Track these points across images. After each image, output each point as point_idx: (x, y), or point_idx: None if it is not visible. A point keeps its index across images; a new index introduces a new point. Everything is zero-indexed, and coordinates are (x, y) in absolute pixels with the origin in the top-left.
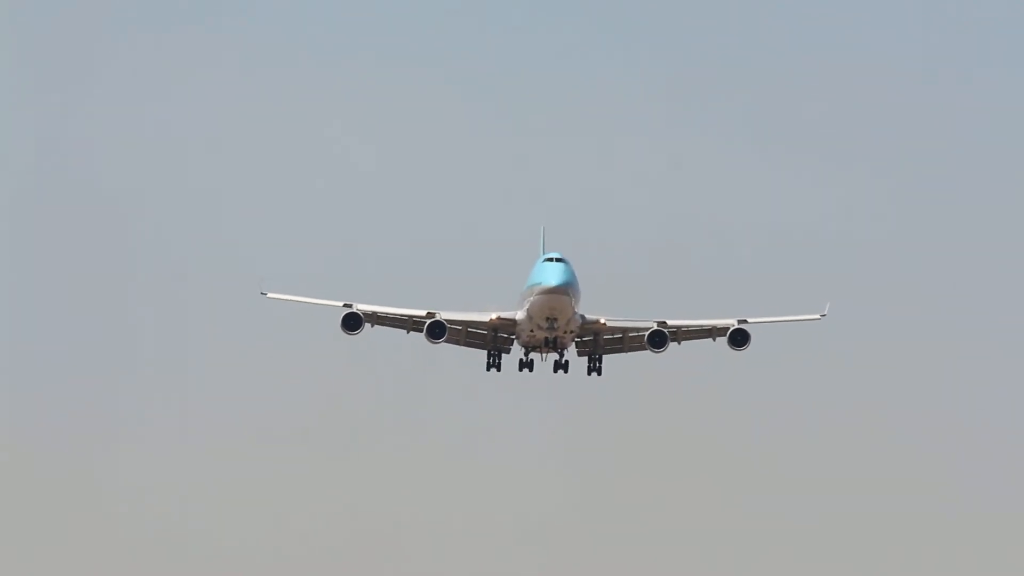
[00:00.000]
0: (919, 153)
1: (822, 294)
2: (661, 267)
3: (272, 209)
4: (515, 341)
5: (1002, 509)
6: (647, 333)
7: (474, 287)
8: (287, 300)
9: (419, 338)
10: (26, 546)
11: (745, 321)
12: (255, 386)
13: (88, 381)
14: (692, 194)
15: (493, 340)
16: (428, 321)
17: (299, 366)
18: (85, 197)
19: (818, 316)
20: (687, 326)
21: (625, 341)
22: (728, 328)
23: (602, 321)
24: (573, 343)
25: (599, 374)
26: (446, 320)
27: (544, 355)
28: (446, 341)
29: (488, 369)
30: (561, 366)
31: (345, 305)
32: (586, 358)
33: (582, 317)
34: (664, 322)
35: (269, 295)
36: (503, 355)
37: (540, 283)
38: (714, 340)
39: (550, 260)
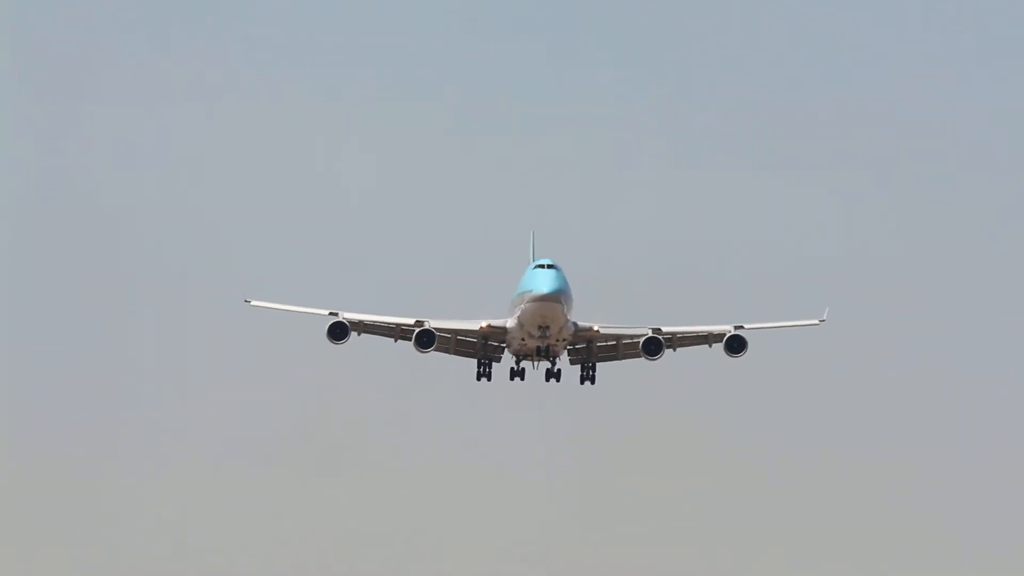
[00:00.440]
0: (917, 161)
1: (820, 299)
2: (654, 273)
3: (256, 217)
4: (506, 349)
5: (1005, 511)
6: (642, 340)
7: (463, 295)
8: (271, 308)
9: (407, 347)
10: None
11: (742, 327)
12: (238, 398)
13: (69, 391)
14: (685, 199)
15: (483, 349)
16: (416, 329)
17: (283, 377)
18: (74, 205)
19: (817, 321)
20: (683, 332)
21: (619, 348)
22: (725, 334)
23: (595, 328)
24: (565, 351)
25: (592, 383)
26: (435, 328)
27: (536, 364)
28: (435, 350)
29: (478, 378)
30: (553, 375)
31: (331, 313)
32: (579, 366)
33: (575, 324)
34: (659, 329)
35: (253, 303)
36: (494, 364)
37: (531, 290)
38: (710, 347)
39: (541, 267)
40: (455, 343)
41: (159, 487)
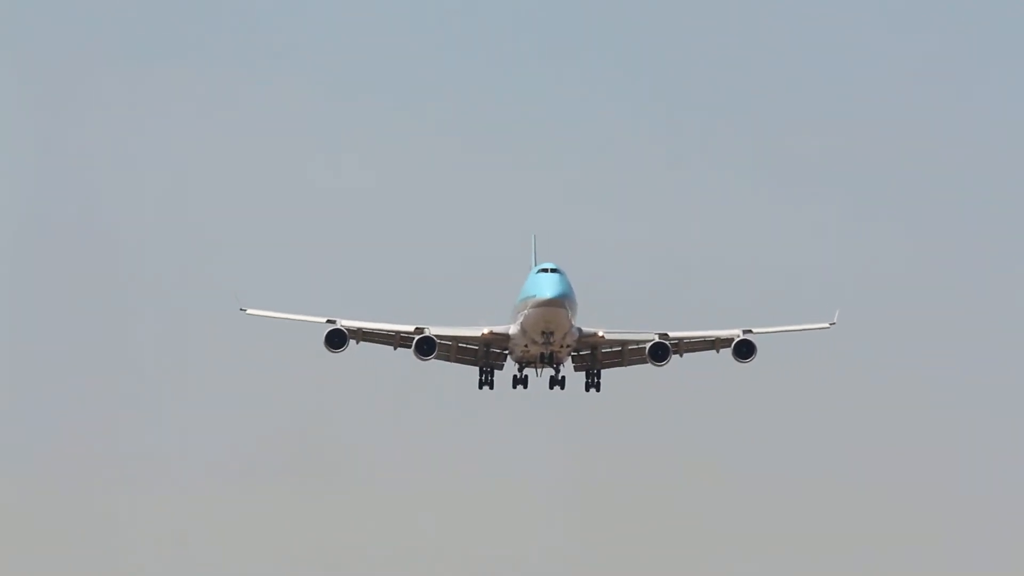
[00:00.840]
0: (921, 163)
1: (827, 303)
2: (658, 278)
3: (253, 223)
4: (508, 357)
5: (1019, 514)
6: (648, 345)
7: (464, 301)
8: (267, 317)
9: (407, 355)
10: None
11: (750, 331)
12: (234, 409)
13: (63, 399)
14: (688, 203)
15: (485, 356)
16: (416, 337)
17: (280, 387)
18: (70, 212)
19: (827, 325)
20: (689, 338)
21: (624, 354)
22: (733, 339)
23: (600, 334)
24: (569, 358)
25: (598, 390)
26: (435, 335)
27: (539, 371)
28: (436, 358)
29: (480, 387)
30: (557, 382)
31: (328, 321)
32: (583, 373)
33: (579, 330)
34: (666, 334)
35: (248, 311)
36: (496, 372)
37: (534, 295)
38: (718, 352)
39: (544, 271)
40: (456, 350)
41: (153, 501)
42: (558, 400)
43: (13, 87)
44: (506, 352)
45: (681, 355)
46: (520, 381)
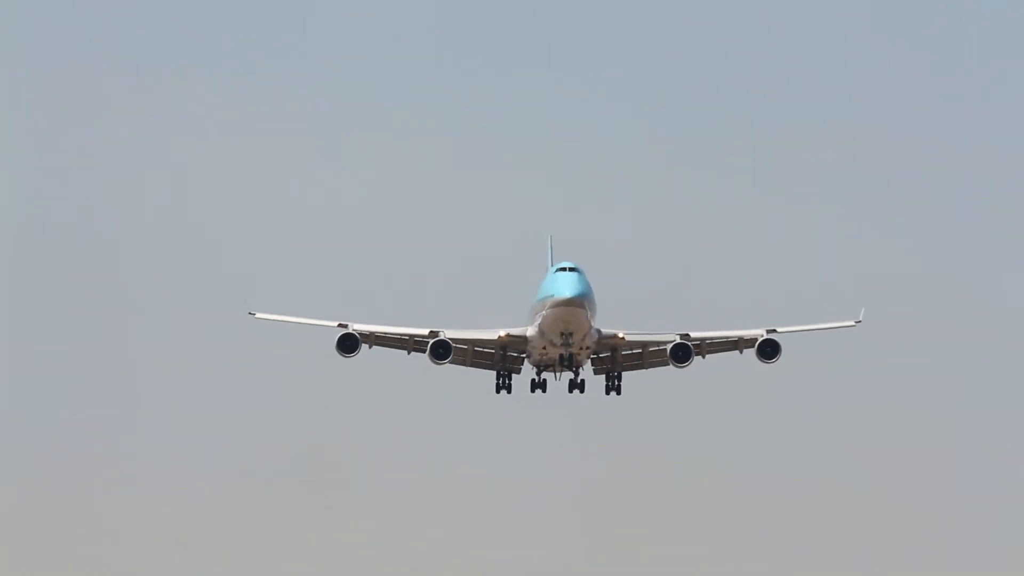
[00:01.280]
0: (927, 165)
1: (850, 302)
2: (675, 280)
3: (263, 227)
4: (526, 360)
5: None
6: (669, 347)
7: (479, 304)
8: (278, 321)
9: (422, 359)
10: None
11: (775, 331)
12: (244, 416)
13: (72, 405)
14: (702, 207)
15: (502, 359)
16: (431, 340)
17: (291, 393)
18: (75, 217)
19: (853, 323)
20: (712, 338)
21: (645, 356)
22: (756, 339)
23: (620, 335)
24: (589, 360)
25: (618, 393)
26: (451, 339)
27: (558, 374)
28: (451, 362)
29: (497, 391)
30: (577, 386)
31: (340, 325)
32: (603, 376)
33: (598, 331)
34: (687, 334)
35: (258, 315)
36: (513, 376)
37: (552, 295)
38: (741, 353)
39: (563, 270)
40: (472, 354)
41: (163, 507)
42: (578, 404)
43: (20, 90)
44: (523, 355)
45: (704, 356)
46: (538, 385)
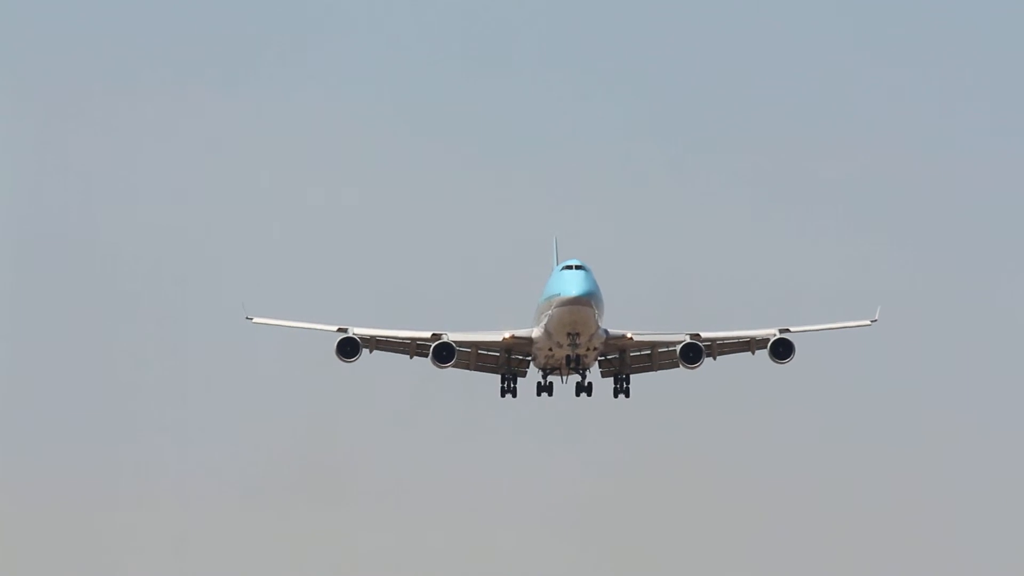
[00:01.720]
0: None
1: (864, 301)
2: (685, 279)
3: (258, 230)
4: (532, 363)
5: None
6: (679, 347)
7: (483, 306)
8: (275, 325)
9: (424, 363)
10: None
11: (788, 330)
12: (241, 423)
13: (65, 411)
14: (707, 210)
15: (507, 362)
16: (434, 343)
17: (289, 400)
18: (68, 225)
19: (868, 322)
20: (723, 338)
21: (654, 358)
22: (769, 339)
23: (629, 335)
24: (596, 362)
25: (627, 396)
26: (454, 341)
27: (565, 377)
28: (454, 366)
29: (503, 395)
30: (584, 388)
31: (340, 329)
32: (611, 379)
33: (606, 332)
34: (698, 335)
35: (255, 320)
36: (519, 379)
37: (559, 294)
38: (753, 354)
39: (569, 268)
40: (476, 357)
41: (158, 518)
42: (585, 408)
43: (17, 102)
44: (529, 358)
45: (715, 358)
46: (544, 388)
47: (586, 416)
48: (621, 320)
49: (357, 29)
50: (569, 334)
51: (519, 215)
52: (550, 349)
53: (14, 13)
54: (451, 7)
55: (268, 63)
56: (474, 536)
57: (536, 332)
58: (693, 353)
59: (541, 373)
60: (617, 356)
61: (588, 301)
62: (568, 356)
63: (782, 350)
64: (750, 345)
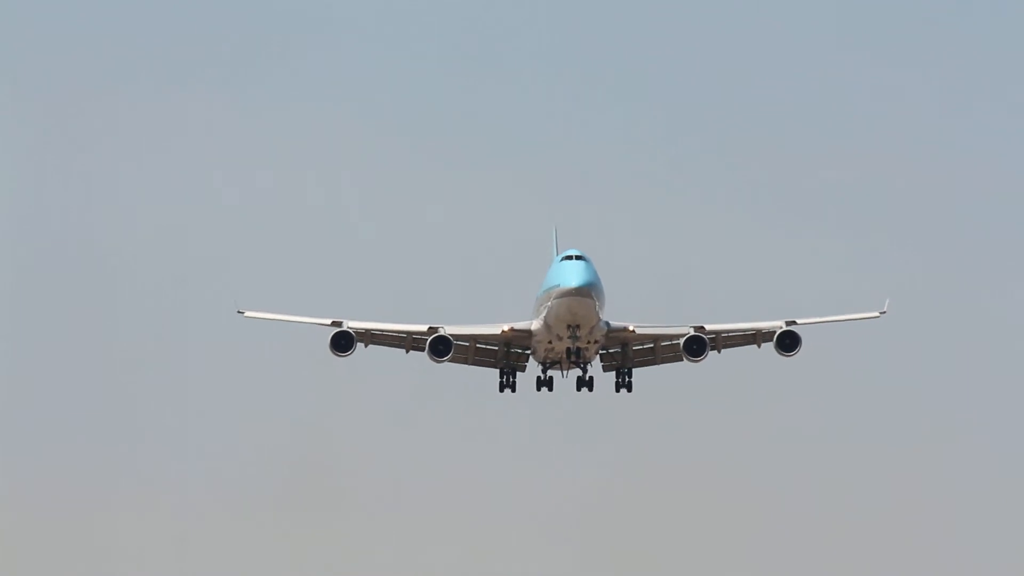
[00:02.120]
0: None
1: (872, 292)
2: (688, 271)
3: (250, 222)
4: (531, 357)
5: None
6: (683, 340)
7: (480, 299)
8: (267, 319)
9: (420, 357)
10: None
11: (794, 322)
12: (232, 419)
13: (52, 408)
14: (707, 206)
15: (506, 356)
16: (430, 337)
17: (281, 395)
18: (58, 218)
19: (877, 314)
20: (728, 331)
21: (657, 351)
22: (775, 331)
23: (631, 328)
24: (598, 356)
25: (629, 390)
26: (451, 335)
27: (565, 372)
28: (452, 360)
29: (501, 390)
30: (585, 383)
31: (334, 323)
32: (613, 373)
33: (607, 324)
34: (702, 327)
35: (247, 314)
36: (518, 374)
37: (558, 285)
38: (759, 347)
39: (568, 258)
40: (474, 351)
41: (147, 518)
42: (586, 403)
43: (12, 103)
44: (528, 352)
45: (719, 351)
46: (544, 383)
47: (587, 411)
48: (623, 313)
49: (352, 29)
50: (569, 326)
51: (517, 208)
52: (550, 342)
53: (11, 14)
54: (450, 8)
55: (264, 58)
56: (470, 535)
57: (535, 325)
58: (697, 346)
59: (541, 367)
60: (619, 349)
61: (588, 292)
62: (568, 349)
63: (788, 343)
64: (755, 338)
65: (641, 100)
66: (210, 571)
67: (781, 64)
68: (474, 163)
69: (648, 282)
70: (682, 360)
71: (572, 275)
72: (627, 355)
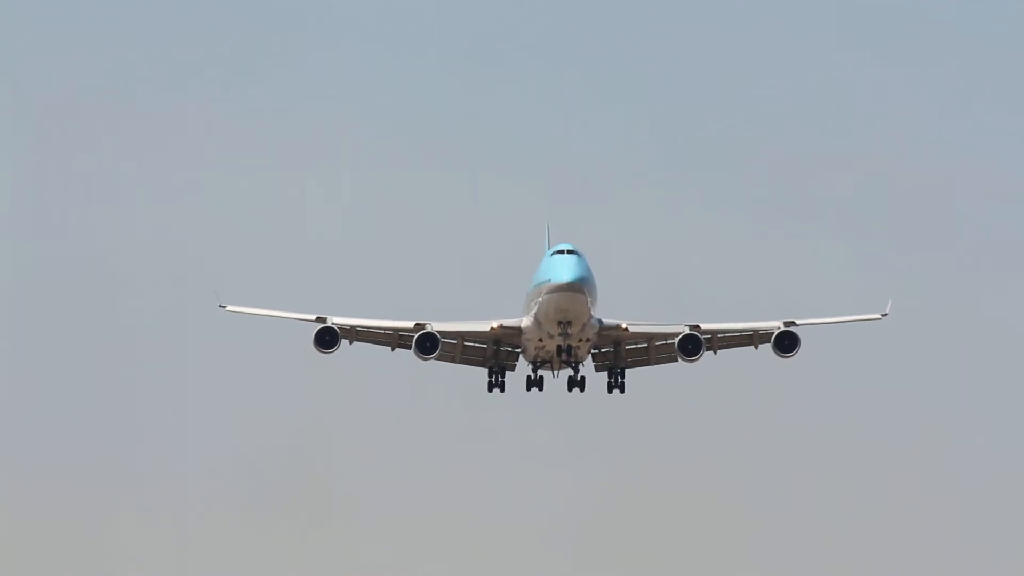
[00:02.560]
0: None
1: (880, 290)
2: (684, 270)
3: (234, 215)
4: (521, 355)
5: None
6: (678, 339)
7: (470, 297)
8: (249, 314)
9: (407, 355)
10: None
11: (793, 323)
12: (213, 418)
13: (26, 406)
14: (706, 205)
15: (495, 355)
16: (417, 333)
17: (263, 393)
18: (41, 214)
19: (879, 316)
20: (724, 331)
21: (651, 351)
22: (773, 332)
23: (624, 326)
24: (590, 355)
25: (622, 391)
26: (438, 332)
27: (556, 372)
28: (439, 358)
29: (490, 389)
30: (576, 383)
31: (318, 319)
32: (606, 373)
33: (600, 322)
34: (697, 326)
35: (228, 308)
36: (507, 373)
37: (549, 280)
38: (756, 348)
39: (560, 252)
40: (462, 349)
41: (123, 522)
42: (578, 403)
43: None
44: (518, 350)
45: (715, 352)
46: (535, 383)
47: (578, 413)
48: (617, 312)
49: (346, 29)
50: (560, 323)
51: (510, 205)
52: (540, 340)
53: (8, 17)
54: (448, 8)
55: (260, 56)
56: (455, 538)
57: (525, 321)
58: (692, 345)
59: (531, 367)
60: (612, 349)
61: (580, 287)
62: (559, 348)
63: (787, 344)
64: (753, 338)
65: (639, 99)
66: (195, 571)
67: (781, 64)
68: (465, 160)
69: (644, 281)
70: (677, 360)
71: (564, 270)
72: (620, 354)
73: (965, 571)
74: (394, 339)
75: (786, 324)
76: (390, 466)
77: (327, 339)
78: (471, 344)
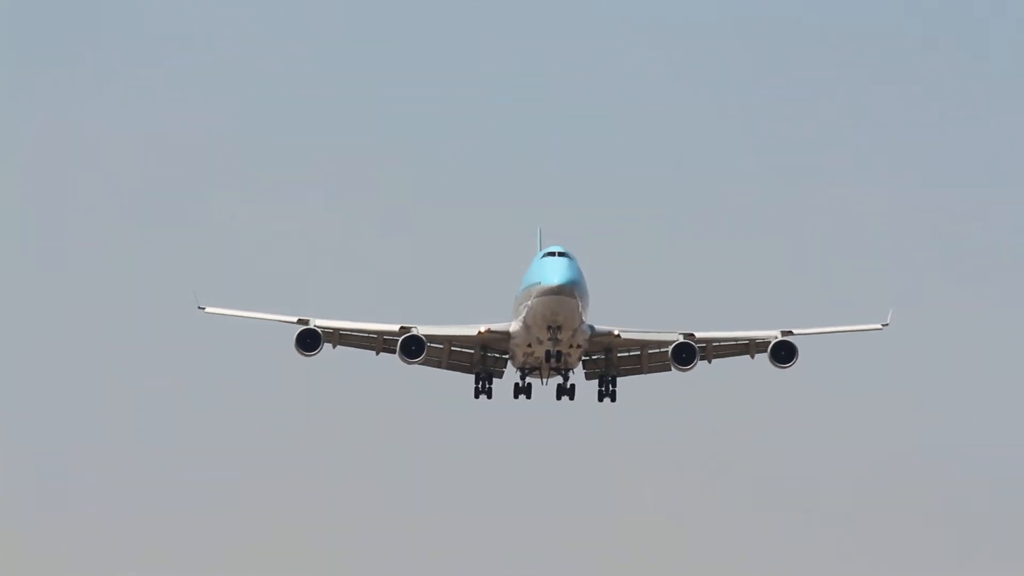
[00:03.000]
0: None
1: (880, 300)
2: (680, 273)
3: (214, 213)
4: (509, 362)
5: None
6: (671, 347)
7: (457, 301)
8: (229, 315)
9: (391, 360)
10: None
11: (790, 332)
12: (191, 422)
13: (10, 409)
14: (706, 201)
15: (482, 360)
16: (402, 337)
17: (243, 395)
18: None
19: (879, 326)
20: (719, 339)
21: (644, 359)
22: (770, 341)
23: (616, 332)
24: (580, 363)
25: (613, 400)
26: (424, 335)
27: (545, 379)
28: (425, 363)
29: (477, 396)
30: (566, 391)
31: (300, 321)
32: (596, 381)
33: (591, 328)
34: (691, 334)
35: (207, 310)
36: (495, 379)
37: (539, 283)
38: (752, 358)
39: (551, 254)
40: (448, 354)
41: (109, 520)
42: (567, 412)
43: None
44: (506, 356)
45: (709, 361)
46: (523, 390)
47: (567, 421)
48: (610, 318)
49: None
50: (550, 327)
51: (501, 208)
52: (529, 345)
53: None
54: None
55: (264, 57)
56: (440, 548)
57: (514, 326)
58: (686, 354)
59: (519, 373)
60: (603, 356)
61: (571, 291)
62: (548, 353)
63: (784, 354)
64: (749, 348)
65: (635, 99)
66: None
67: (779, 66)
68: (455, 162)
69: (638, 288)
70: (670, 369)
71: (554, 272)
72: (611, 362)
73: None
74: (379, 343)
75: (783, 333)
76: (373, 470)
77: (308, 341)
78: (458, 349)
